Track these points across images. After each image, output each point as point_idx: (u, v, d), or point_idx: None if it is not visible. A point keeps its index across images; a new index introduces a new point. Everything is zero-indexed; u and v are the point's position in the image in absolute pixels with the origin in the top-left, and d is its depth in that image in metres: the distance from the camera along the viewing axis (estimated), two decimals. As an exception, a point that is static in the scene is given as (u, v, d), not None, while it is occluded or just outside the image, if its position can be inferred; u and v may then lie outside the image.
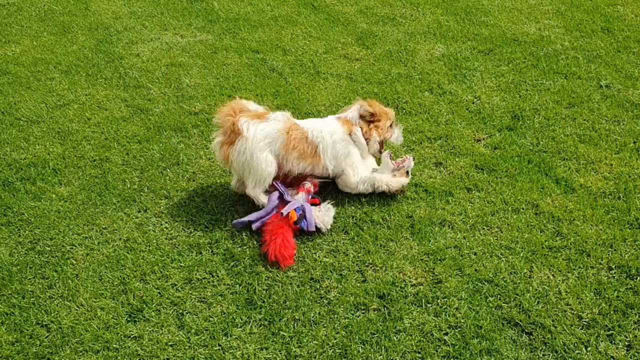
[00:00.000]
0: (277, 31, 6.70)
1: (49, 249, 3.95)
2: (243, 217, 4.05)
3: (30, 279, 3.74)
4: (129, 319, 3.48)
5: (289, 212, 3.89)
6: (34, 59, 6.30)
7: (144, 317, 3.48)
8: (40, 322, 3.47)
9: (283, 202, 4.08)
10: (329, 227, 3.99)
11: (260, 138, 3.99)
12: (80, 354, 3.28)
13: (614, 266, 3.72)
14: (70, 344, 3.33)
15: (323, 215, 3.99)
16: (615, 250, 3.83)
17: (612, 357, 3.21)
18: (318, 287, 3.65)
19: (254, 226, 4.00)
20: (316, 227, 3.97)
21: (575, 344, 3.27)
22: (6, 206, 4.29)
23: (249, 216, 4.04)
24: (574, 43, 6.21)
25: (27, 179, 4.56)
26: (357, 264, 3.78)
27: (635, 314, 3.43)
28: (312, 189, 4.17)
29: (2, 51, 6.47)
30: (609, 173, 4.44)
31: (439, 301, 3.54)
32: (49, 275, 3.75)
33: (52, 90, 5.74)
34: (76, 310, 3.53)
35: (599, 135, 4.83)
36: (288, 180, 4.25)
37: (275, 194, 4.10)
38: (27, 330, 3.41)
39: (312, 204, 4.08)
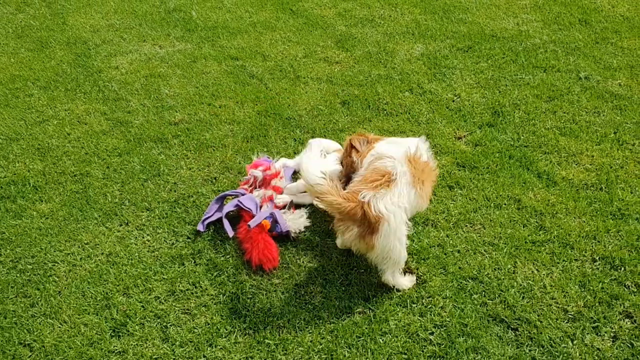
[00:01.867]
0: (256, 37, 6.68)
1: (31, 267, 3.91)
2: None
3: (12, 298, 3.70)
4: (112, 333, 3.45)
5: (260, 222, 3.88)
6: (11, 75, 6.25)
7: (128, 331, 3.45)
8: (22, 341, 3.43)
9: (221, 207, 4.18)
10: (298, 232, 3.98)
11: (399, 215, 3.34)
12: (64, 372, 3.25)
13: (598, 258, 3.72)
14: (53, 362, 3.30)
15: (294, 220, 3.98)
16: (598, 241, 3.83)
17: (598, 349, 3.21)
18: (303, 292, 3.62)
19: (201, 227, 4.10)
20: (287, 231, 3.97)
21: (561, 338, 3.27)
22: (-14, 226, 4.25)
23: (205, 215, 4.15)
24: (552, 36, 6.22)
25: (7, 197, 4.52)
26: (341, 268, 3.76)
27: (620, 305, 3.42)
28: (274, 195, 4.18)
29: (-20, 69, 6.42)
30: (590, 165, 4.45)
31: (423, 301, 3.52)
32: (31, 294, 3.71)
33: (31, 106, 5.69)
34: (59, 327, 3.49)
35: (579, 127, 4.84)
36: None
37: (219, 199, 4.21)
38: (10, 350, 3.38)
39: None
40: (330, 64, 6.07)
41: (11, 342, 3.42)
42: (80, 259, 3.96)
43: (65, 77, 6.17)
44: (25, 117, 5.54)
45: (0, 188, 4.61)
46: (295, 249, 3.91)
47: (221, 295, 3.63)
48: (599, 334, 3.29)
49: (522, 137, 4.77)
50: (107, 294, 3.69)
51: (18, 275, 3.85)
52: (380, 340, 3.32)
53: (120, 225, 4.21)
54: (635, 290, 3.50)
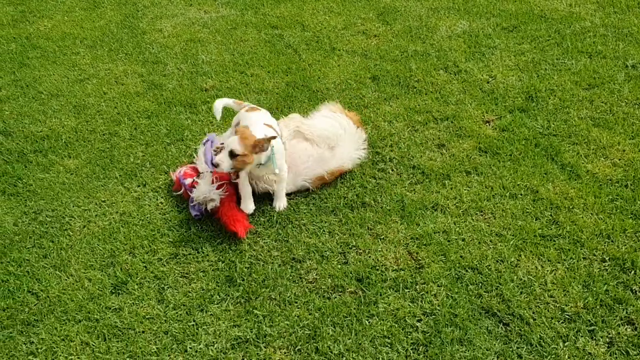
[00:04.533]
0: (299, 6, 6.63)
1: (50, 220, 4.11)
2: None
3: (29, 248, 3.91)
4: (113, 290, 3.60)
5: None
6: (63, 33, 6.49)
7: (127, 289, 3.59)
8: (31, 290, 3.63)
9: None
10: (202, 199, 3.97)
11: None
12: (63, 322, 3.42)
13: (608, 258, 3.55)
14: (55, 312, 3.48)
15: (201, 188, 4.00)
16: (612, 241, 3.64)
17: (589, 353, 3.08)
18: (299, 267, 3.65)
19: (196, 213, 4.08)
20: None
21: (553, 338, 3.16)
22: (17, 177, 4.48)
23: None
24: (605, 20, 5.85)
25: (40, 151, 4.74)
26: (340, 246, 3.76)
27: (623, 310, 3.26)
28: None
29: (36, 26, 6.70)
30: (619, 159, 4.21)
31: (417, 287, 3.48)
32: (46, 246, 3.91)
33: (75, 64, 5.91)
34: (65, 280, 3.68)
35: (615, 118, 4.57)
36: None
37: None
38: (19, 297, 3.59)
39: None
40: (368, 37, 5.96)
41: (21, 289, 3.63)
42: (96, 215, 4.12)
43: (111, 37, 6.35)
44: (68, 74, 5.76)
45: (35, 142, 4.84)
46: (297, 223, 3.93)
47: (220, 262, 3.71)
48: (594, 338, 3.16)
49: (552, 125, 4.56)
50: (114, 251, 3.84)
51: (37, 226, 4.06)
52: (367, 322, 3.31)
53: (138, 186, 4.35)
54: (642, 296, 3.33)
